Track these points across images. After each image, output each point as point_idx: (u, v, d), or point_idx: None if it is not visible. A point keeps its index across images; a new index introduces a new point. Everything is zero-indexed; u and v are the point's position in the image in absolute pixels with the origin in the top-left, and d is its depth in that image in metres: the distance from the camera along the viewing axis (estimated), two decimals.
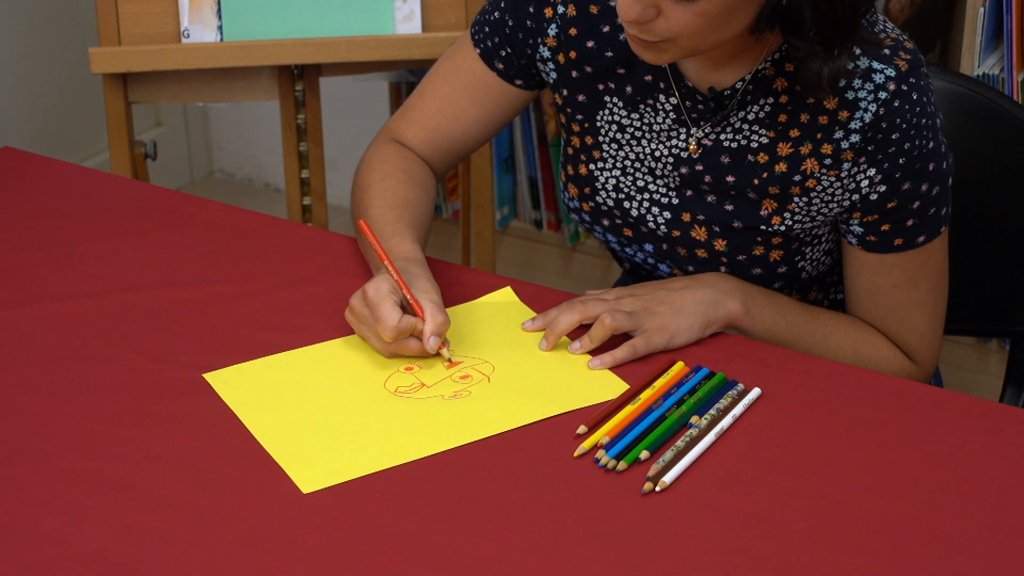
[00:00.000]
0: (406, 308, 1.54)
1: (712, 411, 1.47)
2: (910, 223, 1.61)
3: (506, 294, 1.68)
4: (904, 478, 1.40)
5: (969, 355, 2.81)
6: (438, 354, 1.55)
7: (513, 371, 1.55)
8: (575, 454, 1.42)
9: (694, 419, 1.46)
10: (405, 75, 2.94)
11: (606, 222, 1.74)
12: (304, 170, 2.45)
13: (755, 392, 1.51)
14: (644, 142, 1.68)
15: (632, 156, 1.69)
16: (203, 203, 1.88)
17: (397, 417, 1.48)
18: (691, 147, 1.64)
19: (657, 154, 1.67)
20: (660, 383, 1.52)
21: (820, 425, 1.47)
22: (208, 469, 1.40)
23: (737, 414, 1.48)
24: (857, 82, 1.56)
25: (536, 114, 3.02)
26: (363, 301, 1.54)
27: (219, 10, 2.29)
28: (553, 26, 1.69)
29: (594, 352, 1.57)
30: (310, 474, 1.39)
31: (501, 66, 1.74)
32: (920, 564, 1.29)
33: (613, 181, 1.70)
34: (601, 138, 1.70)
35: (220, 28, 2.29)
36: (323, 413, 1.48)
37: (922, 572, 1.29)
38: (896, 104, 1.56)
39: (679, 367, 1.55)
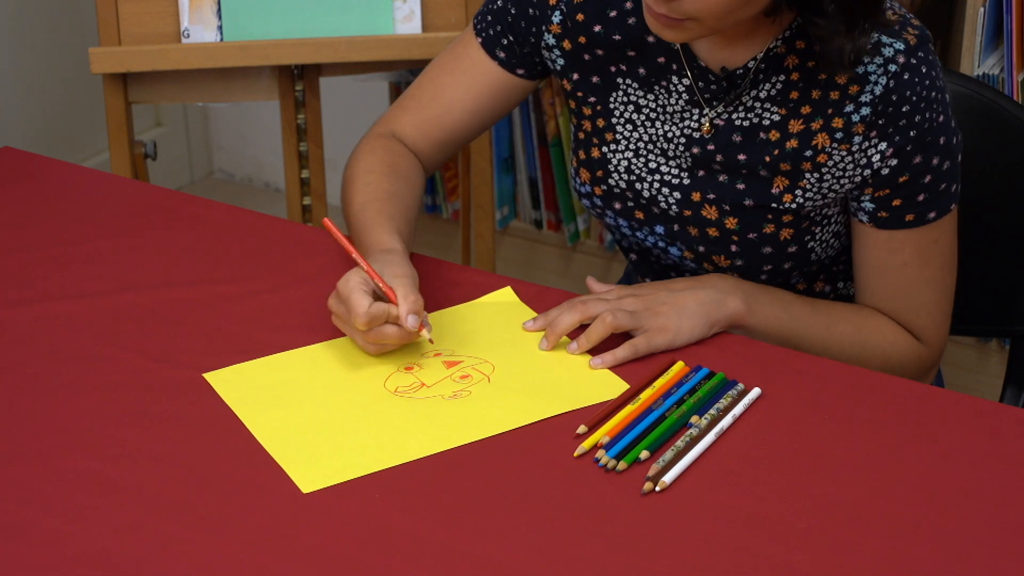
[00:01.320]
0: (381, 298, 1.54)
1: (712, 411, 1.47)
2: (921, 198, 1.62)
3: (506, 294, 1.68)
4: (904, 478, 1.40)
5: (969, 355, 2.81)
6: (421, 338, 1.54)
7: (513, 371, 1.55)
8: (575, 454, 1.42)
9: (694, 419, 1.46)
10: (405, 75, 2.94)
11: (618, 205, 1.74)
12: (304, 170, 2.45)
13: (755, 392, 1.51)
14: (658, 123, 1.68)
15: (645, 137, 1.69)
16: (203, 203, 1.88)
17: (397, 417, 1.48)
18: (704, 127, 1.65)
19: (670, 135, 1.68)
20: (660, 383, 1.52)
21: (820, 425, 1.47)
22: (208, 469, 1.40)
23: (737, 414, 1.48)
24: (866, 56, 1.56)
25: (536, 114, 3.02)
26: (337, 299, 1.53)
27: (219, 10, 2.29)
28: (557, 13, 1.69)
29: (594, 352, 1.57)
30: (310, 474, 1.39)
31: (502, 55, 1.74)
32: (920, 564, 1.29)
33: (625, 163, 1.71)
34: (615, 120, 1.71)
35: (220, 28, 2.29)
36: (323, 413, 1.48)
37: (922, 572, 1.29)
38: (906, 77, 1.57)
39: (679, 367, 1.55)
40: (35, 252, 1.75)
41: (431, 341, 1.55)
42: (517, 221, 3.17)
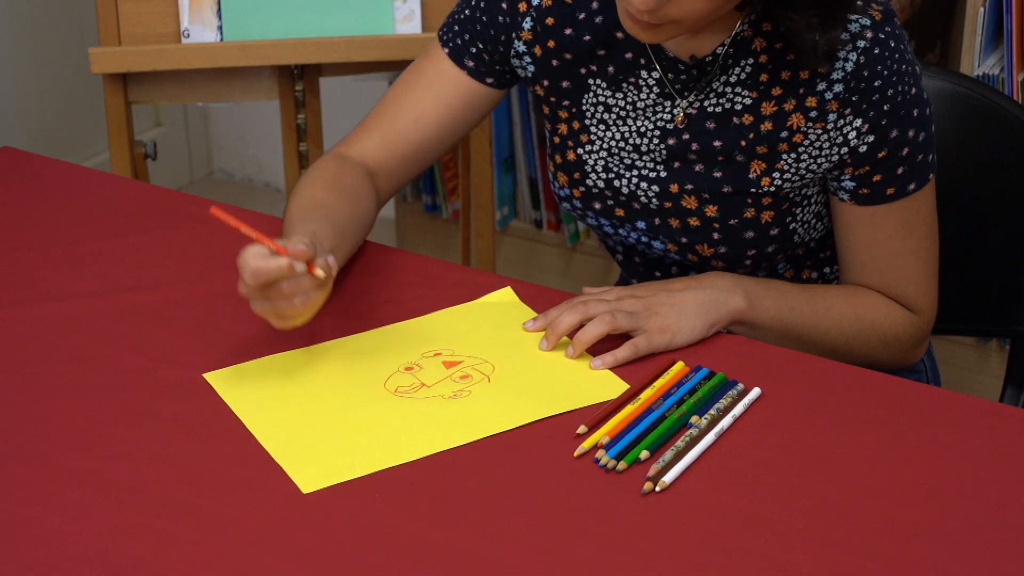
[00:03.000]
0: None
1: (712, 411, 1.47)
2: (900, 171, 1.63)
3: (506, 294, 1.68)
4: (904, 478, 1.40)
5: (969, 355, 2.81)
6: (319, 277, 1.48)
7: (513, 371, 1.55)
8: (575, 454, 1.42)
9: (694, 419, 1.46)
10: None
11: (598, 205, 1.74)
12: (304, 170, 2.45)
13: (755, 392, 1.51)
14: (629, 120, 1.68)
15: (618, 136, 1.69)
16: (203, 203, 1.88)
17: (397, 417, 1.48)
18: (678, 118, 1.65)
19: (643, 130, 1.68)
20: (660, 383, 1.52)
21: (820, 425, 1.47)
22: (208, 469, 1.40)
23: (737, 414, 1.48)
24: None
25: (536, 114, 3.02)
26: (242, 280, 1.47)
27: (219, 10, 2.29)
28: (528, 19, 1.69)
29: (594, 352, 1.57)
30: (310, 474, 1.39)
31: (471, 64, 1.73)
32: (920, 564, 1.29)
33: (602, 162, 1.71)
34: (588, 121, 1.71)
35: (220, 28, 2.29)
36: (323, 413, 1.48)
37: (922, 572, 1.29)
38: (876, 52, 1.58)
39: (679, 367, 1.55)
40: (35, 252, 1.75)
41: (319, 274, 1.47)
42: (517, 221, 3.17)
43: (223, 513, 1.34)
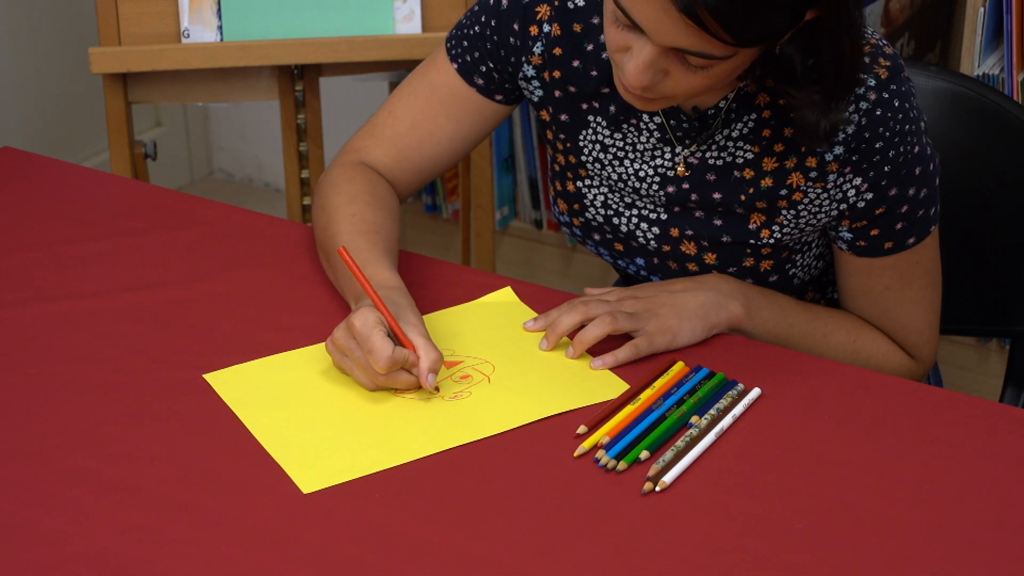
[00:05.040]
0: (393, 340, 1.50)
1: (712, 411, 1.47)
2: (899, 227, 1.61)
3: (506, 294, 1.68)
4: (904, 478, 1.40)
5: (969, 355, 2.81)
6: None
7: (513, 371, 1.55)
8: (575, 454, 1.42)
9: (694, 419, 1.46)
10: (405, 75, 2.94)
11: (597, 237, 1.73)
12: (304, 170, 2.45)
13: (755, 392, 1.51)
14: (627, 162, 1.67)
15: (615, 176, 1.68)
16: (203, 203, 1.88)
17: (397, 417, 1.48)
18: (679, 169, 1.63)
19: (641, 174, 1.66)
20: (660, 383, 1.52)
21: (820, 425, 1.47)
22: (208, 469, 1.40)
23: (737, 414, 1.48)
24: None
25: (536, 114, 3.02)
26: (348, 333, 1.48)
27: (219, 10, 2.29)
28: (539, 44, 1.67)
29: (594, 353, 1.57)
30: (310, 474, 1.39)
31: (480, 81, 1.71)
32: (920, 564, 1.29)
33: (601, 198, 1.70)
34: (584, 157, 1.69)
35: (220, 28, 2.29)
36: (323, 413, 1.48)
37: (922, 572, 1.29)
38: (878, 113, 1.55)
39: (679, 367, 1.55)
40: (35, 252, 1.75)
41: (436, 390, 1.51)
42: (517, 221, 3.17)
43: (223, 513, 1.34)
